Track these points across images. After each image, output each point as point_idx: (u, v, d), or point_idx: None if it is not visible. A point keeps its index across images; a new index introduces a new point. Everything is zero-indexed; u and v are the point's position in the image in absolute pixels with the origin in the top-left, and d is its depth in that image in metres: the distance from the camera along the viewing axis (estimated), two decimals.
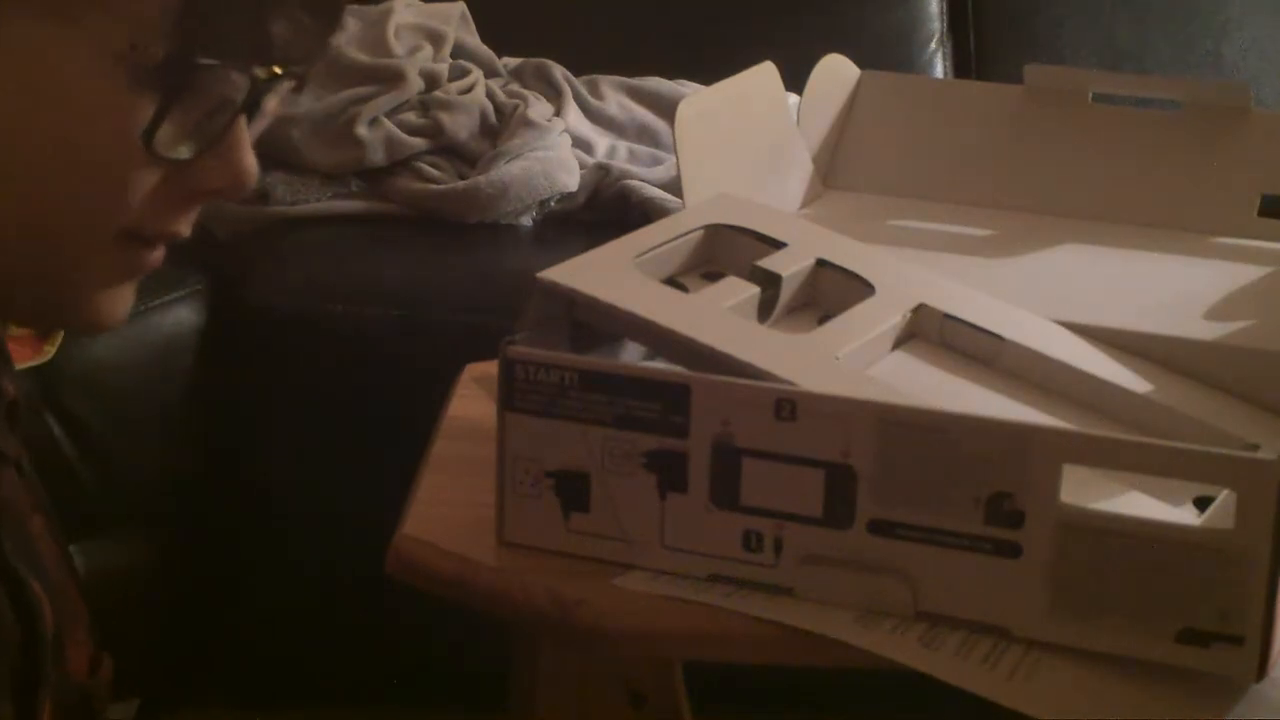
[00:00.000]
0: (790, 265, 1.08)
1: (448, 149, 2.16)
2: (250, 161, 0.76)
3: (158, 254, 0.77)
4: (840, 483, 0.90)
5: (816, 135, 1.36)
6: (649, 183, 2.12)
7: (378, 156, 2.12)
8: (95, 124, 0.71)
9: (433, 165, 2.14)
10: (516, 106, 2.18)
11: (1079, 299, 1.15)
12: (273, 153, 2.12)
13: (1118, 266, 1.24)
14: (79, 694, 0.83)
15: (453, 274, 2.02)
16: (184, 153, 0.73)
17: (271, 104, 0.76)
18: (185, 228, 0.77)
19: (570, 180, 2.11)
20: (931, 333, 1.08)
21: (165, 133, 0.72)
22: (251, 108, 0.74)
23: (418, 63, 2.20)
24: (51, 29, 0.69)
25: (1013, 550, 0.88)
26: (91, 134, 0.71)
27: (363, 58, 2.20)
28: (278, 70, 0.74)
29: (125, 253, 0.76)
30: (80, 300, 0.76)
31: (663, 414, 0.93)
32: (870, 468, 0.90)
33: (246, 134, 0.75)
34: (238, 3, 0.72)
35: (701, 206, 1.14)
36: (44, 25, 0.69)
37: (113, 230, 0.74)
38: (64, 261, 0.74)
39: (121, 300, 0.77)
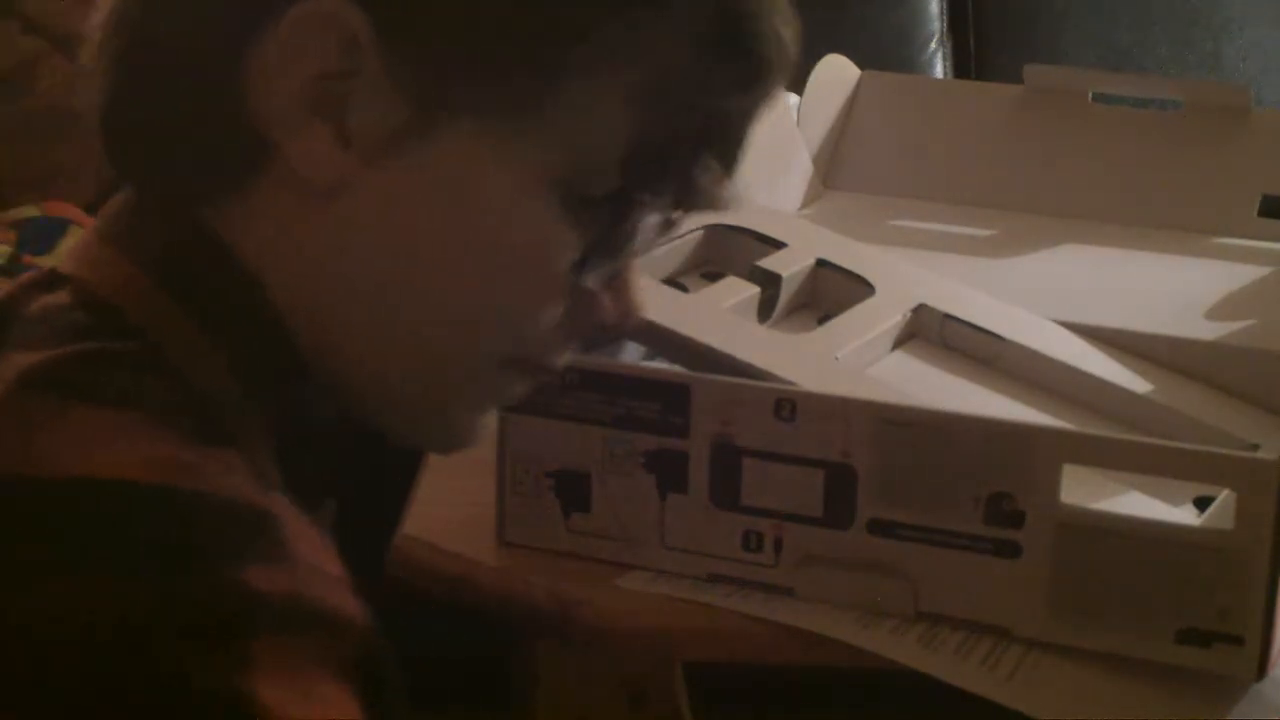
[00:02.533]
0: (790, 265, 1.08)
1: None
2: (641, 298, 0.75)
3: (525, 387, 0.77)
4: (840, 483, 0.90)
5: (816, 135, 1.36)
6: None
7: None
8: (519, 245, 0.70)
9: None
10: None
11: (1079, 299, 1.15)
12: None
13: (1118, 266, 1.24)
14: None
15: None
16: (594, 282, 0.73)
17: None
18: (561, 362, 0.77)
19: None
20: (931, 333, 1.08)
21: (592, 263, 0.72)
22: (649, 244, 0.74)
23: None
24: (493, 143, 0.68)
25: (1013, 550, 0.88)
26: (514, 254, 0.71)
27: None
28: (683, 212, 0.74)
29: (501, 378, 0.75)
30: (446, 421, 0.76)
31: (663, 414, 0.93)
32: (870, 468, 0.90)
33: (635, 268, 0.75)
34: (676, 148, 0.71)
35: None
36: (485, 137, 0.68)
37: (507, 354, 0.74)
38: (448, 382, 0.74)
39: (482, 426, 0.77)
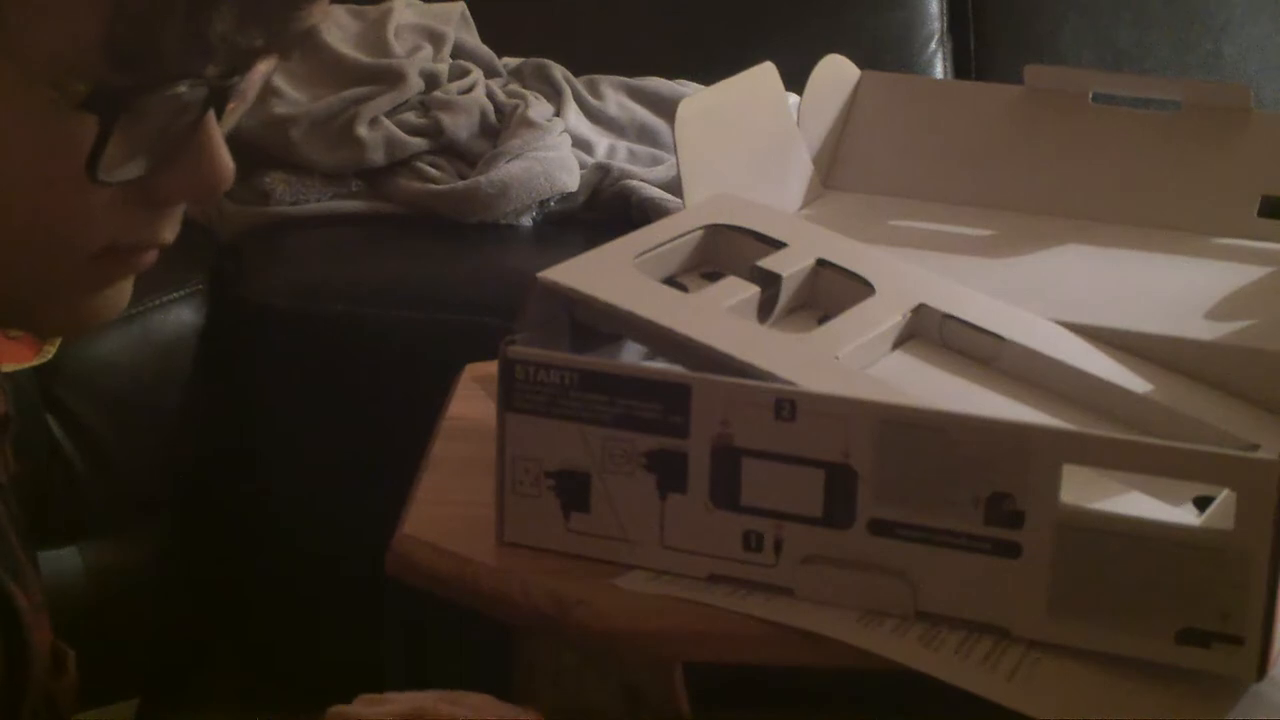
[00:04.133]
0: (790, 265, 1.08)
1: (448, 149, 2.16)
2: (220, 165, 0.73)
3: (147, 256, 0.75)
4: (840, 483, 0.90)
5: (816, 135, 1.36)
6: (649, 183, 2.12)
7: (378, 156, 2.12)
8: (34, 158, 0.69)
9: (433, 165, 2.14)
10: (516, 106, 2.18)
11: (1079, 299, 1.15)
12: (273, 153, 2.12)
13: (1118, 266, 1.24)
14: (44, 698, 0.82)
15: (453, 274, 2.02)
16: (134, 171, 0.71)
17: (249, 92, 0.73)
18: (169, 234, 0.75)
19: (570, 180, 2.11)
20: (931, 333, 1.08)
21: (110, 157, 0.70)
22: (216, 108, 0.71)
23: (418, 63, 2.20)
24: None
25: (1012, 550, 0.88)
26: (33, 168, 0.70)
27: (363, 58, 2.20)
28: (229, 69, 0.71)
29: (106, 264, 0.74)
30: (68, 307, 0.75)
31: (663, 414, 0.93)
32: (870, 468, 0.90)
33: (216, 137, 0.73)
34: (161, 20, 0.68)
35: (701, 206, 1.14)
36: None
37: (84, 252, 0.73)
38: (43, 281, 0.73)
39: (111, 300, 0.76)
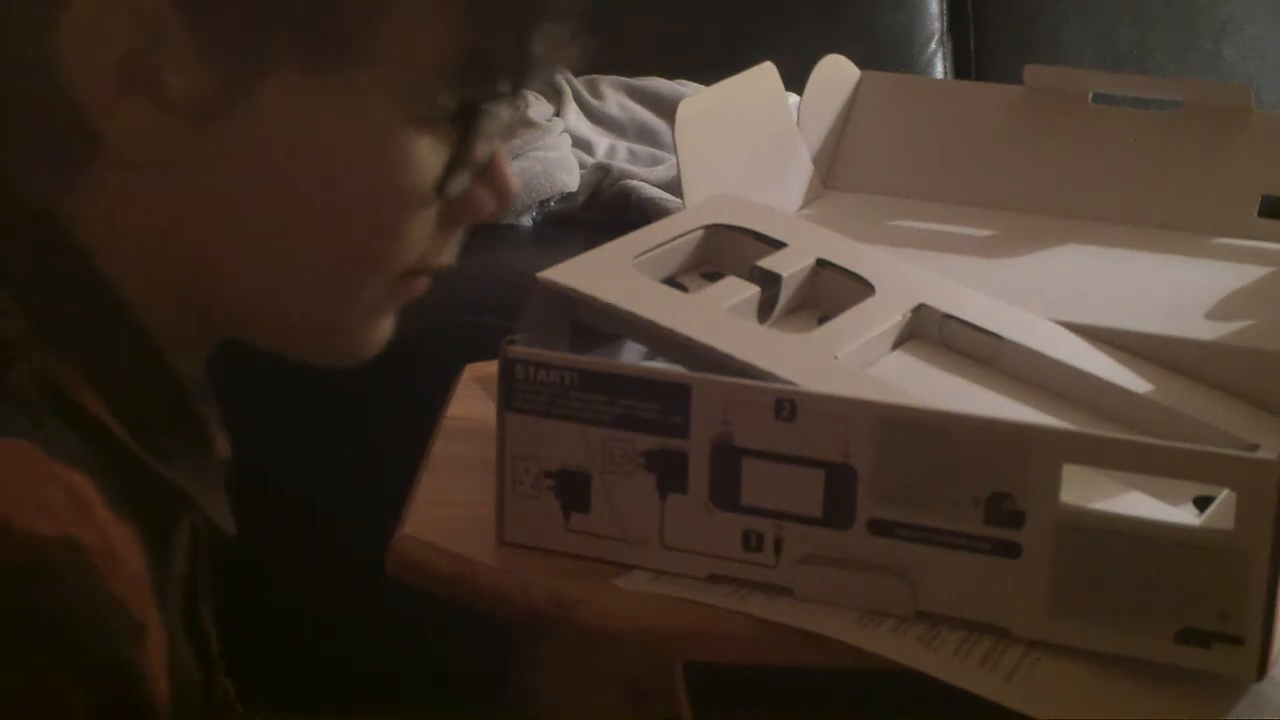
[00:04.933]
0: (790, 265, 1.08)
1: None
2: (510, 183, 0.75)
3: (422, 282, 0.77)
4: (840, 483, 0.90)
5: (816, 135, 1.36)
6: (649, 183, 2.12)
7: None
8: (385, 173, 0.70)
9: None
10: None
11: (1079, 299, 1.15)
12: None
13: (1118, 266, 1.24)
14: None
15: (453, 274, 2.02)
16: (462, 186, 0.73)
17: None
18: (452, 256, 0.77)
19: (570, 180, 2.11)
20: (931, 333, 1.08)
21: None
22: (519, 126, 0.74)
23: None
24: (326, 85, 0.68)
25: (1012, 550, 0.88)
26: (381, 183, 0.71)
27: None
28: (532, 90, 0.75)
29: (400, 288, 0.76)
30: (348, 335, 0.76)
31: (662, 414, 0.93)
32: (870, 468, 0.90)
33: (505, 155, 0.75)
34: (508, 38, 0.71)
35: (701, 206, 1.14)
36: (317, 82, 0.68)
37: (395, 273, 0.74)
38: (346, 304, 0.74)
39: (385, 331, 0.77)
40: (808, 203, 1.33)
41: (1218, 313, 1.15)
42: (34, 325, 0.67)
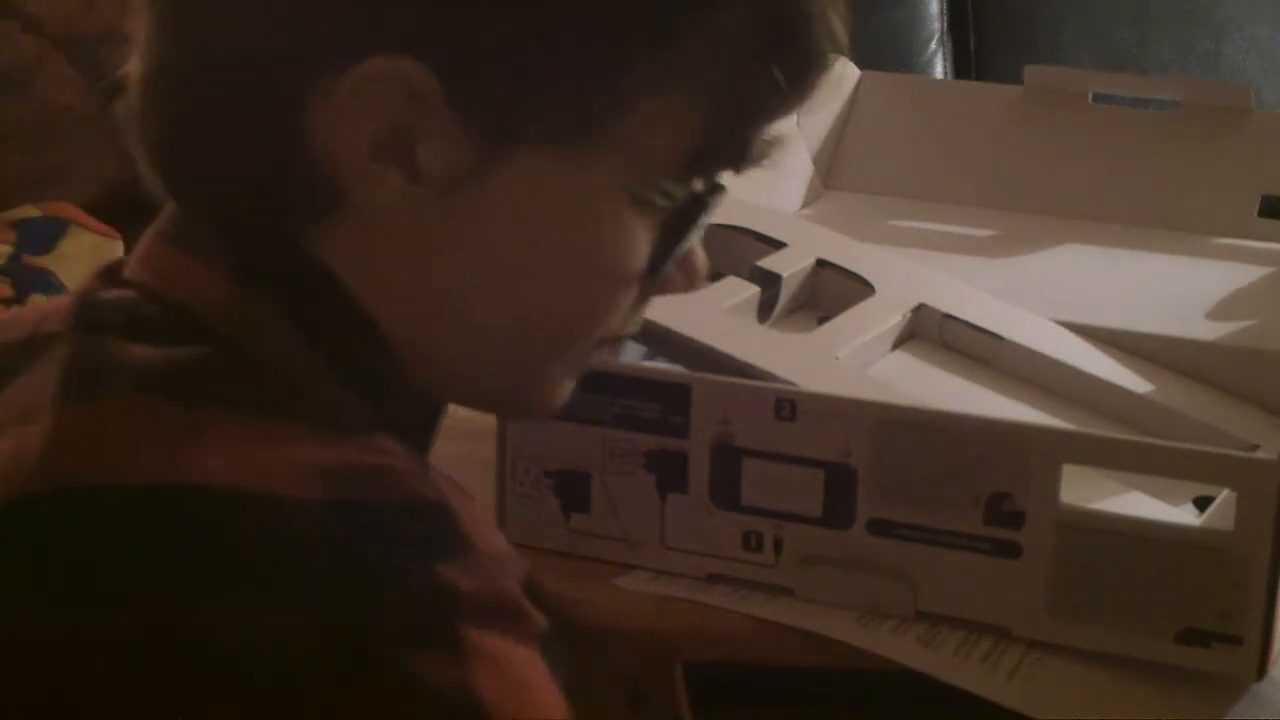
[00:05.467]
0: (790, 265, 1.08)
1: None
2: (702, 263, 0.76)
3: (604, 350, 0.79)
4: (840, 483, 0.90)
5: (816, 135, 1.36)
6: None
7: None
8: (599, 255, 0.72)
9: None
10: None
11: (1079, 299, 1.15)
12: None
13: (1118, 266, 1.24)
14: None
15: None
16: (669, 267, 0.74)
17: None
18: (637, 327, 0.78)
19: None
20: (931, 333, 1.08)
21: None
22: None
23: None
24: (567, 162, 0.69)
25: (1012, 550, 0.88)
26: (595, 261, 0.72)
27: None
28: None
29: (592, 353, 0.77)
30: (538, 394, 0.77)
31: (663, 414, 0.93)
32: (870, 468, 0.90)
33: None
34: (743, 135, 0.73)
35: None
36: (560, 159, 0.69)
37: (594, 341, 0.75)
38: (542, 364, 0.75)
39: (565, 392, 0.78)
40: (808, 203, 1.33)
41: (1218, 313, 1.14)
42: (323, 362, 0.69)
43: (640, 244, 0.72)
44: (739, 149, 0.73)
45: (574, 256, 0.72)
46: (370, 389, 0.70)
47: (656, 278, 0.74)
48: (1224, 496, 0.91)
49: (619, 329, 0.77)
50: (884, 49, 2.42)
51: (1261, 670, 0.86)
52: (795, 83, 0.73)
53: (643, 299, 0.76)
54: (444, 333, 0.72)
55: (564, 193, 0.70)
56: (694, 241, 0.75)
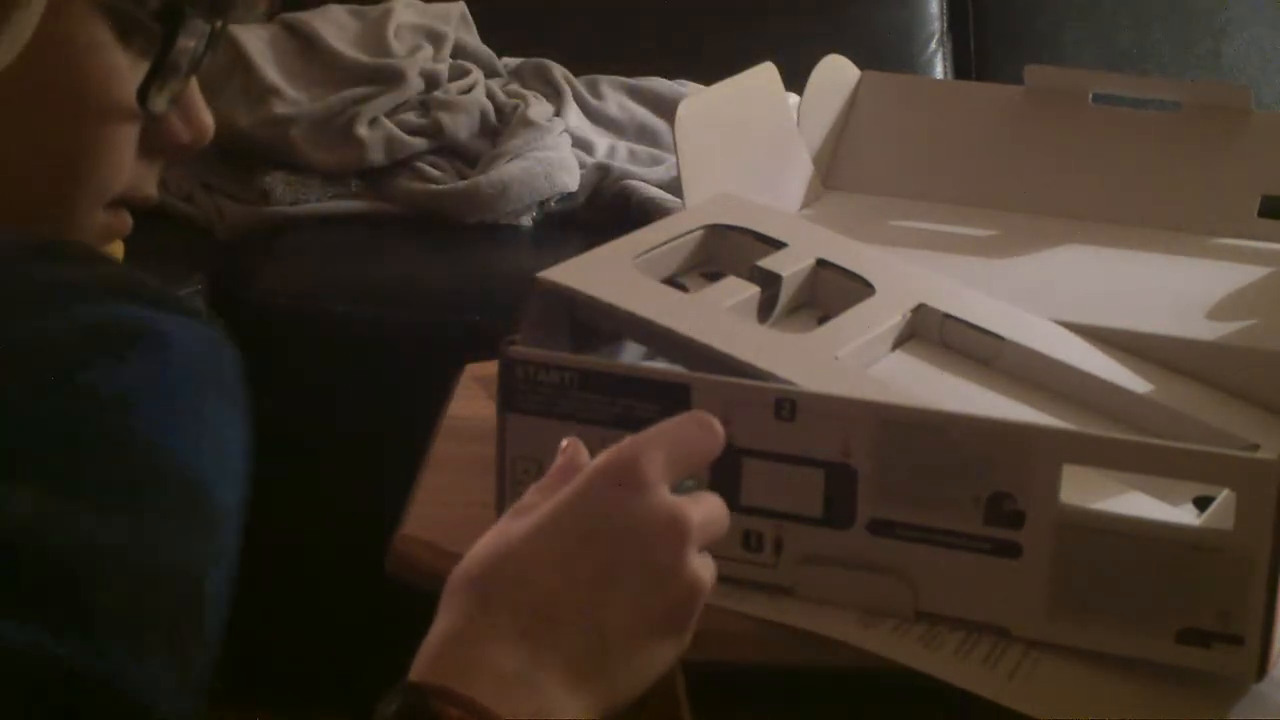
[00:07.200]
0: (790, 265, 1.08)
1: (448, 149, 2.16)
2: (207, 115, 0.76)
3: (127, 218, 0.78)
4: (840, 483, 0.90)
5: (816, 135, 1.36)
6: (649, 183, 2.13)
7: (378, 156, 2.12)
8: (84, 81, 0.71)
9: (433, 165, 2.14)
10: (517, 106, 2.18)
11: (1079, 299, 1.15)
12: (273, 153, 2.12)
13: (1118, 266, 1.24)
14: None
15: (453, 274, 2.02)
16: (162, 105, 0.74)
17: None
18: (154, 189, 0.77)
19: (570, 180, 2.12)
20: (931, 333, 1.08)
21: (156, 86, 0.73)
22: (202, 60, 0.74)
23: (418, 63, 2.20)
24: None
25: (1012, 550, 0.88)
26: (89, 98, 0.71)
27: (363, 58, 2.20)
28: (220, 21, 0.75)
29: (110, 218, 0.76)
30: (70, 226, 0.75)
31: (663, 414, 0.92)
32: (870, 468, 0.90)
33: (197, 89, 0.76)
34: None
35: (701, 206, 1.14)
36: None
37: (105, 196, 0.75)
38: (60, 222, 0.74)
39: (112, 219, 0.77)
40: (808, 203, 1.33)
41: (1218, 313, 1.14)
42: None
43: (124, 74, 0.72)
44: None
45: (46, 81, 0.70)
46: None
47: (150, 110, 0.72)
48: (1224, 496, 0.91)
49: (136, 193, 0.76)
50: (884, 49, 2.43)
51: (1262, 670, 0.86)
52: None
53: (151, 155, 0.75)
54: None
55: (44, 19, 0.68)
56: (193, 92, 0.75)
